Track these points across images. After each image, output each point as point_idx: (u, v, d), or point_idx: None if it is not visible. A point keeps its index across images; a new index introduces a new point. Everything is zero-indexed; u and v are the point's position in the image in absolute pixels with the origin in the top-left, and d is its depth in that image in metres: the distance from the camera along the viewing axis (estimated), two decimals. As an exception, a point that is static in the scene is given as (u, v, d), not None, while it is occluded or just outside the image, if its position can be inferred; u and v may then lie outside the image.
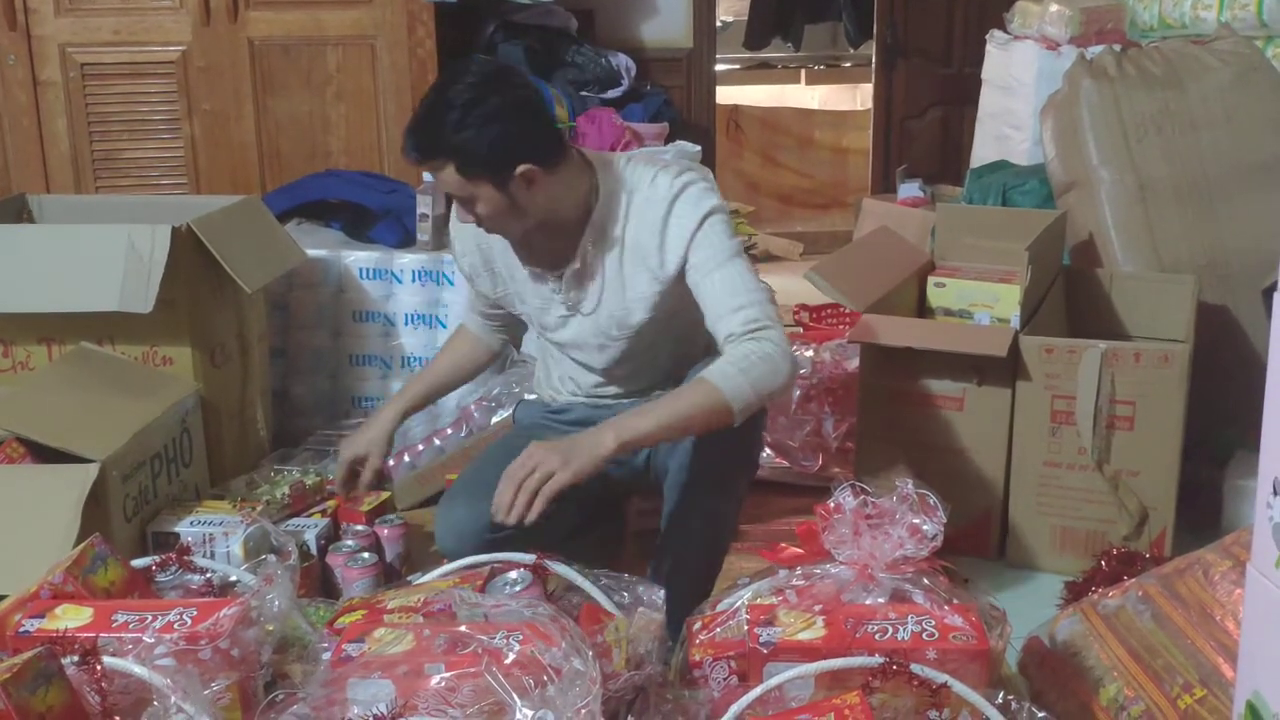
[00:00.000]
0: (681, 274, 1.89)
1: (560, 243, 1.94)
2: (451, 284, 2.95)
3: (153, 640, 1.44)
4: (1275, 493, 1.15)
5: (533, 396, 2.32)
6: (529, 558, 1.65)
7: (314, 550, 2.23)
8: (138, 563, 1.76)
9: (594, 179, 1.91)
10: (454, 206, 1.98)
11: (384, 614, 1.47)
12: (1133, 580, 1.85)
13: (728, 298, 1.83)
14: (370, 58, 3.53)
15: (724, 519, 1.97)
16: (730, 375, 1.73)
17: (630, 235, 1.91)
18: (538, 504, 1.66)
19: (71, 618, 1.50)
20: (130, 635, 1.46)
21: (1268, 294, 1.16)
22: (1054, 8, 3.92)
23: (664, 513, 1.95)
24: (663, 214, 1.88)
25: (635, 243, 1.91)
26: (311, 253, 2.91)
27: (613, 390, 2.09)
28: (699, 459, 1.86)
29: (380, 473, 2.10)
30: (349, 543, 2.24)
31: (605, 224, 1.92)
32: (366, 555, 2.20)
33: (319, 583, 2.24)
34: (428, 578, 1.73)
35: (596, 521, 2.17)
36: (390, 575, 2.23)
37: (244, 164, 3.57)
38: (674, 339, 2.02)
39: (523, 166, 1.80)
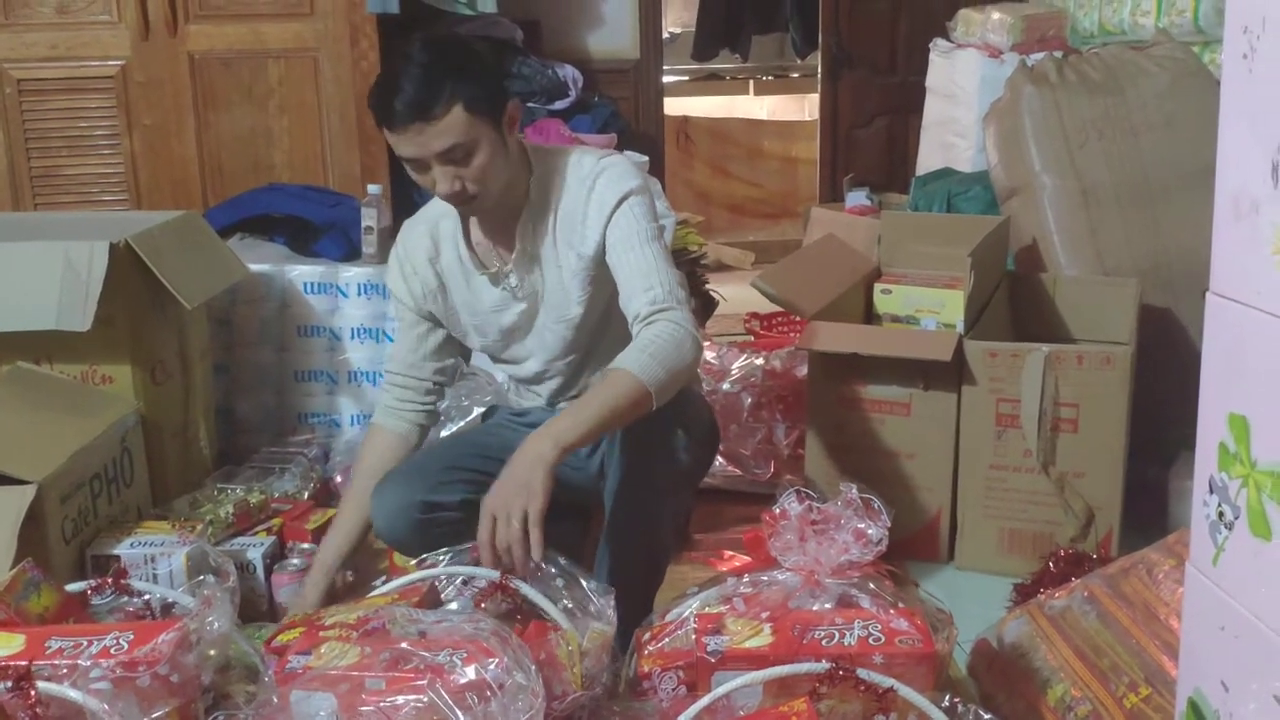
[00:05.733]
0: (602, 254, 1.94)
1: (503, 231, 1.97)
2: (398, 297, 2.92)
3: (88, 664, 1.41)
4: (1211, 490, 1.16)
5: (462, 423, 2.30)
6: (493, 574, 1.63)
7: (259, 569, 2.20)
8: (73, 587, 1.73)
9: (530, 165, 1.97)
10: (397, 252, 2.05)
11: (321, 630, 1.45)
12: (1079, 580, 1.86)
13: (637, 279, 1.88)
14: (313, 70, 3.50)
15: (660, 528, 1.95)
16: (642, 361, 1.74)
17: (560, 217, 1.95)
18: (534, 536, 1.62)
19: (3, 646, 1.46)
20: (65, 661, 1.42)
21: (1206, 296, 1.18)
22: (996, 15, 3.96)
23: (604, 523, 1.95)
24: (585, 192, 1.93)
25: (563, 223, 1.95)
26: (254, 267, 2.88)
27: (570, 395, 2.08)
28: (637, 467, 1.86)
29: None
30: (295, 561, 2.21)
31: (540, 208, 1.96)
32: (295, 562, 2.19)
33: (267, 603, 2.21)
34: (378, 591, 1.71)
35: (556, 533, 2.15)
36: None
37: (185, 179, 3.53)
38: (615, 333, 2.03)
39: (510, 102, 1.87)
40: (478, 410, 2.66)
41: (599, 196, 1.92)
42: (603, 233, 1.92)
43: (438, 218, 2.04)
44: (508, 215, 1.95)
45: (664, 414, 1.80)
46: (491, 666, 1.31)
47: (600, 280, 1.96)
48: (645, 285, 1.86)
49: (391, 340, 2.95)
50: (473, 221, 2.01)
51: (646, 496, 1.89)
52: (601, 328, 2.02)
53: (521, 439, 2.06)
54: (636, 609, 1.72)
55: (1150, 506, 2.48)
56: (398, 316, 2.14)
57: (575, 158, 1.98)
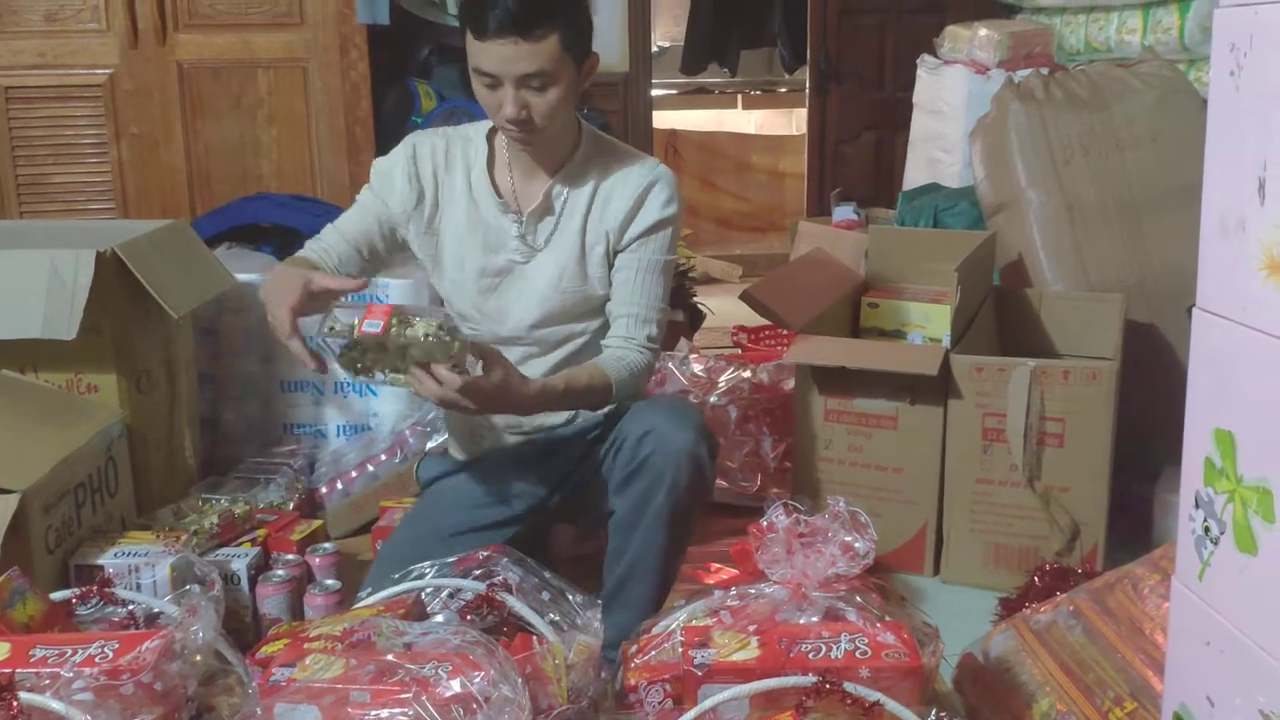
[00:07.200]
0: (619, 250, 2.00)
1: (532, 179, 2.00)
2: (385, 308, 2.92)
3: (71, 675, 1.40)
4: (1197, 505, 1.16)
5: (438, 442, 2.28)
6: (480, 586, 1.63)
7: (244, 580, 2.19)
8: (58, 596, 1.72)
9: (580, 130, 2.02)
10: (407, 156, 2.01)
11: (306, 642, 1.44)
12: (1064, 595, 1.87)
13: (642, 305, 2.00)
14: (302, 81, 3.50)
15: (675, 558, 1.96)
16: (620, 374, 1.95)
17: (604, 191, 1.99)
18: None
19: (-12, 653, 1.45)
20: (49, 670, 1.42)
21: (1193, 312, 1.19)
22: (983, 32, 3.98)
23: (614, 551, 1.95)
24: (639, 192, 1.98)
25: (607, 200, 1.99)
26: (241, 277, 2.86)
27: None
28: (654, 502, 1.87)
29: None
30: (279, 572, 2.20)
31: (581, 174, 1.99)
32: (330, 582, 2.19)
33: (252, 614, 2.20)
34: (363, 602, 1.71)
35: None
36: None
37: (173, 188, 3.52)
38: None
39: (592, 52, 1.91)
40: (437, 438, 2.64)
41: (650, 206, 1.98)
42: (635, 239, 1.98)
43: (465, 138, 2.05)
44: (546, 164, 1.98)
45: (701, 460, 1.87)
46: (477, 679, 1.31)
47: (610, 266, 2.02)
48: (646, 317, 2.00)
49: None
50: (501, 158, 2.01)
51: (667, 528, 1.89)
52: (588, 324, 2.04)
53: (471, 513, 2.05)
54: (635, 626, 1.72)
55: (1135, 521, 2.49)
56: (362, 200, 2.06)
57: (634, 152, 2.04)
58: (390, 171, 2.03)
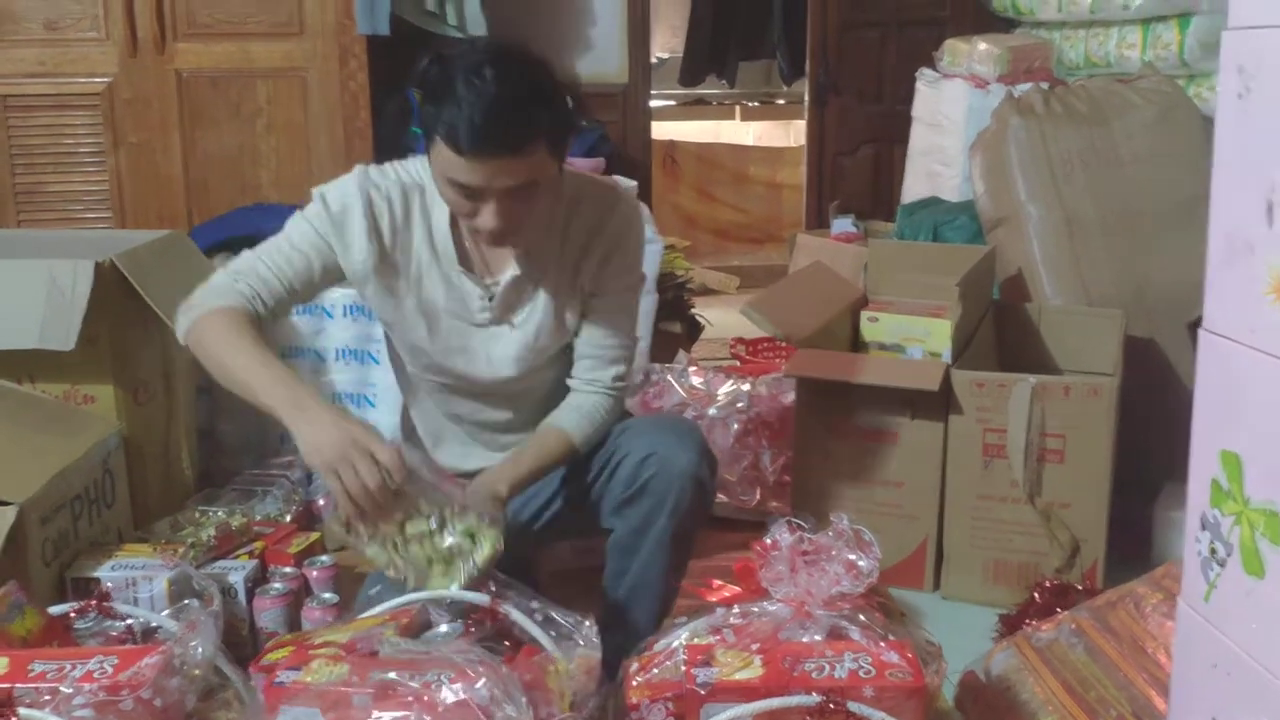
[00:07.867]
0: (591, 294, 1.92)
1: (501, 249, 1.86)
2: (384, 319, 2.91)
3: (71, 690, 1.40)
4: (1203, 527, 1.16)
5: None
6: (483, 598, 1.62)
7: (241, 592, 2.18)
8: (56, 610, 1.71)
9: None
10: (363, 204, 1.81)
11: (310, 650, 1.44)
12: (1065, 613, 1.86)
13: (607, 345, 1.94)
14: (301, 90, 3.49)
15: (676, 580, 1.95)
16: (585, 430, 1.91)
17: (570, 242, 1.89)
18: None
19: (-15, 668, 1.44)
20: (48, 685, 1.41)
21: (1193, 327, 1.18)
22: (982, 46, 3.99)
23: (613, 572, 1.93)
24: (603, 232, 1.89)
25: (574, 249, 1.89)
26: (240, 288, 2.86)
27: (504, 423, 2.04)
28: (657, 525, 1.85)
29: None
30: (277, 585, 2.19)
31: (548, 220, 1.86)
32: (328, 595, 2.18)
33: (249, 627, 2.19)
34: (368, 613, 1.70)
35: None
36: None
37: (171, 197, 3.51)
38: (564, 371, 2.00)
39: (571, 133, 1.78)
40: None
41: (615, 244, 1.89)
42: (603, 272, 1.90)
43: (420, 188, 1.86)
44: None
45: (704, 482, 1.85)
46: (480, 689, 1.30)
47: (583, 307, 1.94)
48: (613, 358, 1.94)
49: (377, 362, 2.93)
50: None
51: (674, 549, 1.88)
52: (564, 361, 1.98)
53: None
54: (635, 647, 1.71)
55: (1135, 537, 2.49)
56: (302, 238, 1.83)
57: (594, 186, 1.93)
58: (343, 221, 1.82)
